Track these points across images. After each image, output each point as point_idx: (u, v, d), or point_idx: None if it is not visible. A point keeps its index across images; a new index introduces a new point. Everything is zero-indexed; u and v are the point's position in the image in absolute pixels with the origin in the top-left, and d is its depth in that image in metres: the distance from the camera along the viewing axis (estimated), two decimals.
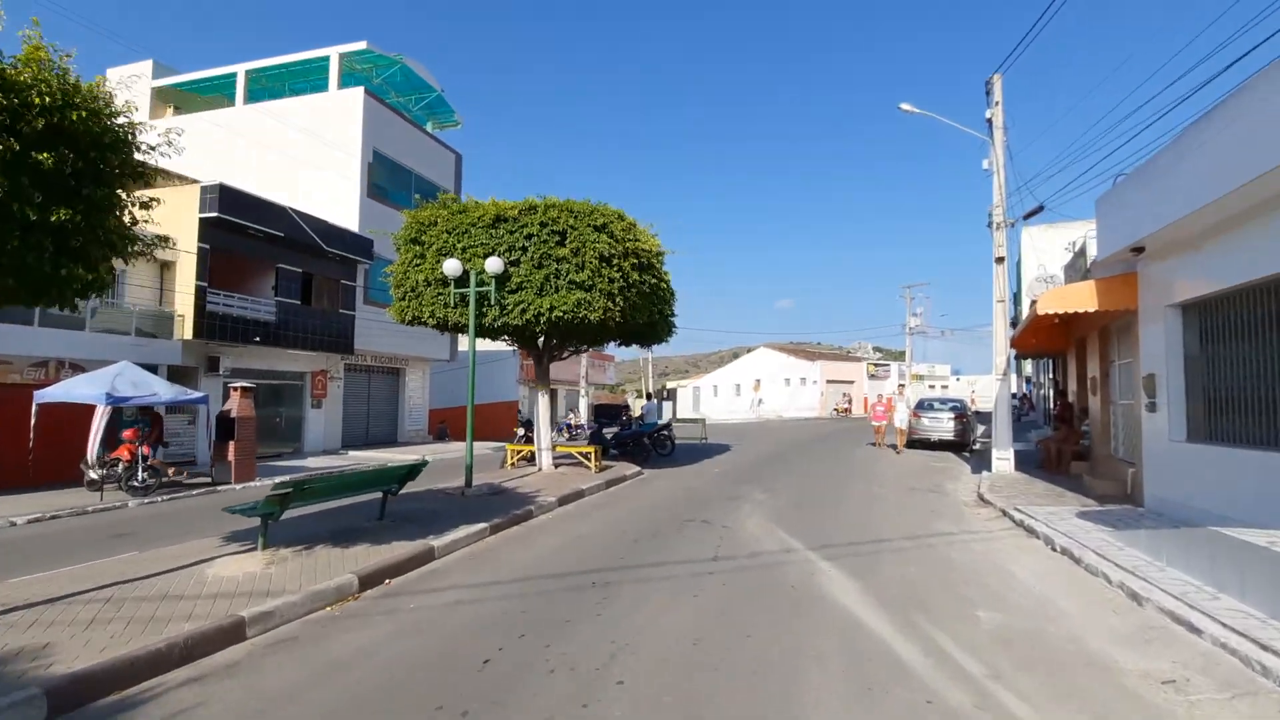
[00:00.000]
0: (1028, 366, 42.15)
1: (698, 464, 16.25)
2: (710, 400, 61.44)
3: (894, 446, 18.94)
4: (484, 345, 41.06)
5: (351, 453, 22.50)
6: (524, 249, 10.78)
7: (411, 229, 11.56)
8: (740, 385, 57.78)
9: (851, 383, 54.87)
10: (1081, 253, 13.20)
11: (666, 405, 67.34)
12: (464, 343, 39.17)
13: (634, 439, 16.69)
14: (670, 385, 71.74)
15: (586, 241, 10.73)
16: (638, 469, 14.31)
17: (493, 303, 10.64)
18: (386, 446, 24.80)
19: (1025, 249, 28.10)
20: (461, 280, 10.82)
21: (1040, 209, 12.72)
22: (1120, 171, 9.16)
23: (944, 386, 69.98)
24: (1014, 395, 35.51)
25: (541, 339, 13.01)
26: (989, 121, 14.37)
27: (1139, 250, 8.73)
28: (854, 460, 16.91)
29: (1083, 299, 9.71)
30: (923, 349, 71.75)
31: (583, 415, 36.10)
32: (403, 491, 10.32)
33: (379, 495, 8.26)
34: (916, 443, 19.67)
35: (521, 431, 16.84)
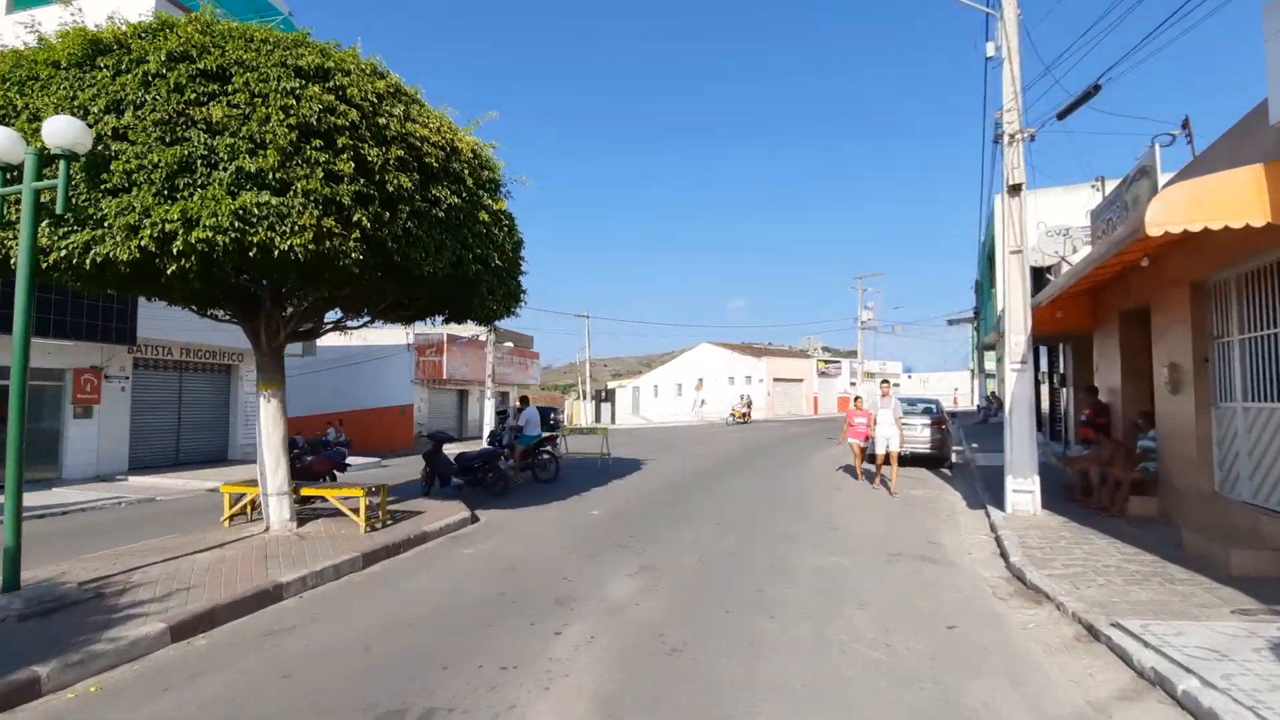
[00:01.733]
0: (988, 359, 38.49)
1: (574, 498, 11.07)
2: (650, 401, 56.54)
3: (871, 473, 12.47)
4: (369, 335, 34.66)
5: (138, 479, 16.46)
6: (140, 105, 5.36)
7: None
8: (681, 385, 53.04)
9: (800, 381, 50.75)
10: (1143, 172, 8.55)
11: (605, 408, 62.13)
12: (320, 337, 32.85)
13: (485, 462, 11.35)
14: (610, 386, 66.65)
15: (271, 94, 5.38)
16: (465, 515, 9.00)
17: (63, 212, 5.16)
18: (212, 465, 18.76)
19: (1000, 218, 23.95)
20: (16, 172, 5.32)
21: (1094, 92, 7.94)
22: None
23: (895, 384, 66.91)
24: (988, 396, 31.61)
25: (268, 301, 7.57)
26: None
27: None
28: (804, 489, 12.00)
29: (1238, 203, 4.90)
30: (873, 346, 68.26)
31: (488, 417, 30.54)
32: None
33: None
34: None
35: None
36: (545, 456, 13.14)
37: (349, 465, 10.29)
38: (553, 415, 46.11)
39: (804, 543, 7.67)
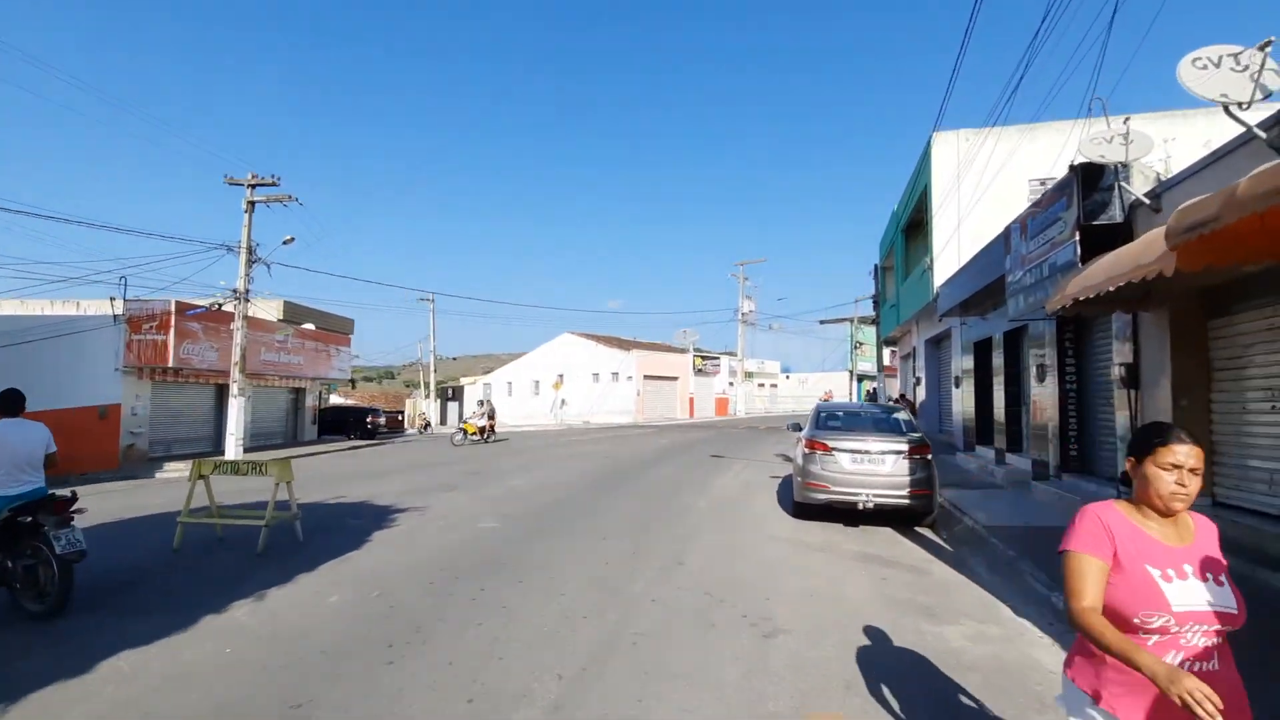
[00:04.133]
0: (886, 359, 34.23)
1: None
2: (503, 401, 48.24)
3: None
4: (44, 305, 23.14)
5: None
6: None
7: None
8: (539, 382, 45.31)
9: (675, 379, 44.77)
10: None
11: (452, 407, 52.87)
12: None
13: None
14: (464, 382, 57.43)
15: None
16: None
17: None
18: None
19: (938, 175, 18.53)
20: None
21: None
22: None
23: (773, 386, 63.13)
24: (894, 399, 26.84)
25: None
26: None
27: None
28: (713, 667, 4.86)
29: None
30: (750, 344, 63.59)
31: (231, 424, 21.36)
32: None
33: None
34: (814, 510, 8.39)
35: None
36: (28, 555, 5.07)
37: None
38: (370, 418, 35.87)
39: None
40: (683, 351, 46.43)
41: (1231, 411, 6.70)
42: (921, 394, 21.99)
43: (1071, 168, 8.26)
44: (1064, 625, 4.92)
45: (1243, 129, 5.61)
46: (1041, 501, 9.61)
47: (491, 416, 24.82)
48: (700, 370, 46.60)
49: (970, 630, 4.84)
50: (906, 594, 5.70)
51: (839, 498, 8.06)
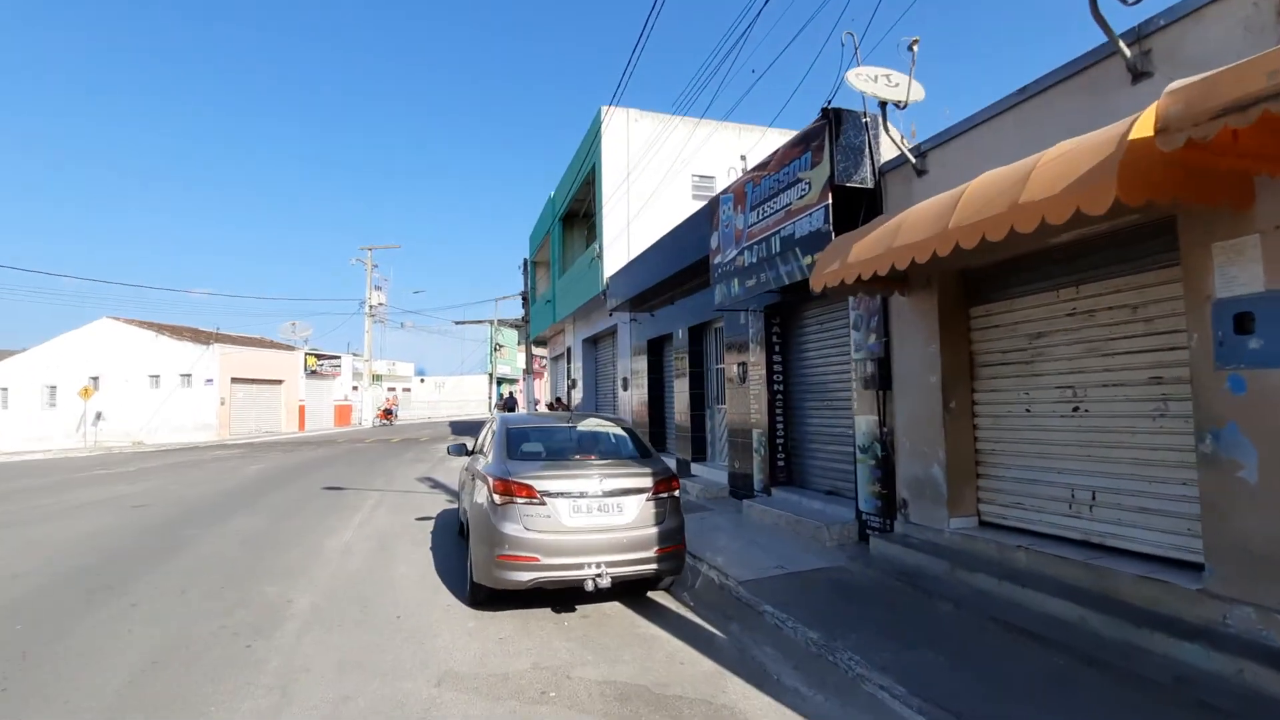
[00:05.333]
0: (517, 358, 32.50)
1: None
2: None
3: None
4: None
5: None
6: None
7: None
8: (58, 387, 31.59)
9: (280, 383, 36.00)
10: None
11: None
12: None
13: None
14: None
15: None
16: None
17: None
18: None
19: (609, 155, 16.82)
20: None
21: None
22: None
23: (406, 390, 57.12)
24: (548, 404, 24.65)
25: None
26: None
27: None
28: None
29: None
30: (377, 345, 55.32)
31: None
32: None
33: None
34: (509, 595, 5.02)
35: None
36: None
37: None
38: None
39: None
40: (290, 349, 37.81)
41: (1011, 414, 5.59)
42: (578, 397, 20.37)
43: (824, 111, 6.60)
44: None
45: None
46: (765, 525, 7.96)
47: None
48: (315, 372, 38.61)
49: None
50: None
51: (556, 575, 4.83)
